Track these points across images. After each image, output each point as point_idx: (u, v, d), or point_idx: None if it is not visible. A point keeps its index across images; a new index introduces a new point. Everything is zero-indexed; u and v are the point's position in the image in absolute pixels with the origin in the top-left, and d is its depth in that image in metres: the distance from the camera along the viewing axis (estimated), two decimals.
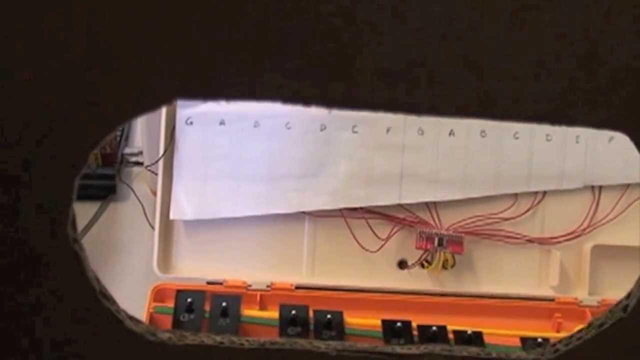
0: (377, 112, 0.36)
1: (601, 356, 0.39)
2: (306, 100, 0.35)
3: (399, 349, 0.39)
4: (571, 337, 0.40)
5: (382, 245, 0.86)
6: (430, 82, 0.35)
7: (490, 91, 0.35)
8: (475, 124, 0.87)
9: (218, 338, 0.39)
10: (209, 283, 0.85)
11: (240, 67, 0.34)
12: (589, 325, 0.40)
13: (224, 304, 0.81)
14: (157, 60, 0.34)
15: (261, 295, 0.84)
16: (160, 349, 0.39)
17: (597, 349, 0.40)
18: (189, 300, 0.80)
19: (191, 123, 0.85)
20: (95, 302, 0.38)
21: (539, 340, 0.81)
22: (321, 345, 0.39)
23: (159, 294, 0.83)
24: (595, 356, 0.40)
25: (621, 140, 0.84)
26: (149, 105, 0.35)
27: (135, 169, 1.08)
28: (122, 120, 0.35)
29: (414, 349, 0.40)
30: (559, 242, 0.88)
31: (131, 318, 0.39)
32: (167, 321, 0.80)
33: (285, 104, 0.36)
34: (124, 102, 0.34)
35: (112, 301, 0.38)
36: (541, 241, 0.88)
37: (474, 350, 0.40)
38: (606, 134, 0.87)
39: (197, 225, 0.86)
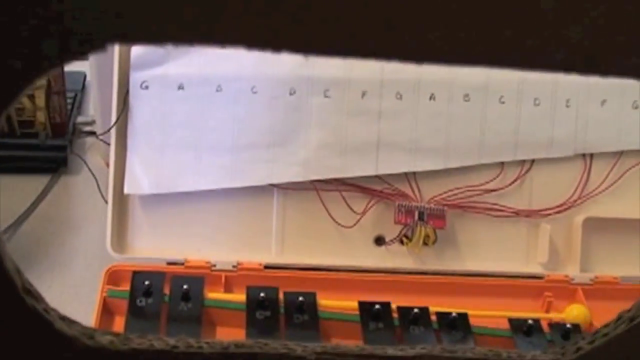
0: (369, 60, 0.28)
1: (634, 356, 0.32)
2: (277, 45, 0.28)
3: (390, 351, 0.32)
4: (596, 333, 0.33)
5: (358, 220, 0.81)
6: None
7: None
8: (457, 87, 0.81)
9: (171, 341, 0.31)
10: (168, 264, 0.79)
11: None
12: (618, 319, 0.32)
13: (185, 286, 0.74)
14: None
15: (226, 277, 0.79)
16: (99, 355, 0.31)
17: (627, 348, 0.33)
18: (147, 282, 0.74)
19: (146, 87, 0.78)
20: (18, 299, 0.30)
21: (529, 321, 0.76)
22: (297, 348, 0.32)
23: (113, 276, 0.77)
24: (626, 356, 0.33)
25: (614, 104, 0.79)
26: (74, 51, 0.27)
27: (89, 139, 1.00)
28: (38, 73, 0.27)
29: (408, 350, 0.33)
30: (548, 215, 0.83)
31: (63, 318, 0.31)
32: (123, 306, 0.73)
33: (251, 50, 0.28)
34: (39, 48, 0.26)
35: (39, 298, 0.31)
36: (529, 214, 0.83)
37: (480, 351, 0.33)
38: (598, 96, 0.81)
39: (154, 200, 0.80)
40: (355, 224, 0.81)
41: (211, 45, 0.28)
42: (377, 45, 0.29)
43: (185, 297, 0.74)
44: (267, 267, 0.80)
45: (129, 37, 0.28)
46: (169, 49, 0.78)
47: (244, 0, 0.27)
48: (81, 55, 0.27)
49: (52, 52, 0.27)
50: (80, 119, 1.02)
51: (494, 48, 0.28)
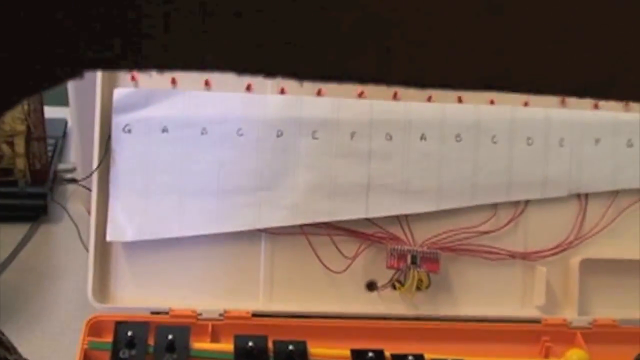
0: (367, 84, 0.26)
1: None
2: (270, 71, 0.25)
3: None
4: None
5: (349, 265, 0.78)
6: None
7: None
8: (449, 126, 0.79)
9: None
10: (153, 313, 0.76)
11: (178, 23, 0.24)
12: None
13: (170, 336, 0.71)
14: (52, 12, 0.24)
15: (213, 326, 0.75)
16: None
17: None
18: (130, 333, 0.71)
19: (129, 131, 0.76)
20: None
21: None
22: None
23: (95, 327, 0.74)
24: None
25: (608, 142, 0.78)
26: (37, 83, 0.24)
27: (70, 187, 0.97)
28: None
29: None
30: (544, 256, 0.81)
31: None
32: (105, 358, 0.70)
33: (241, 75, 0.26)
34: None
35: (11, 349, 0.28)
36: (524, 256, 0.81)
37: None
38: (592, 135, 0.80)
39: (138, 247, 0.77)
40: (346, 269, 0.78)
41: (196, 70, 0.26)
42: (375, 69, 0.26)
43: (171, 347, 0.71)
44: (255, 315, 0.76)
45: (109, 62, 0.25)
46: (153, 92, 0.76)
47: (236, 24, 0.25)
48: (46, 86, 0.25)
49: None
50: (61, 166, 0.99)
51: (508, 72, 0.26)
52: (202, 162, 0.76)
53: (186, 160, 0.76)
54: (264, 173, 0.77)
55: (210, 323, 0.75)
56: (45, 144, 0.93)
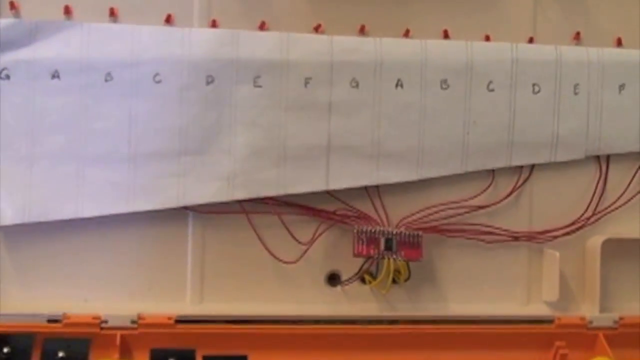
0: None
1: None
2: None
3: None
4: None
5: (304, 253, 0.63)
6: None
7: None
8: (432, 70, 0.64)
9: None
10: (50, 321, 0.60)
11: None
12: None
13: (61, 353, 0.57)
14: None
15: (123, 336, 0.60)
16: None
17: None
18: (7, 349, 0.58)
19: (7, 77, 0.60)
20: None
21: None
22: None
23: None
24: None
25: (636, 89, 0.59)
26: None
27: None
28: None
29: None
30: (555, 237, 0.68)
31: None
32: None
33: None
34: None
35: None
36: (530, 237, 0.67)
37: None
38: (615, 80, 0.67)
39: (22, 233, 0.60)
40: (299, 258, 0.63)
41: None
42: None
43: None
44: (179, 320, 0.61)
45: None
46: (40, 24, 0.59)
47: None
48: None
49: None
50: None
51: None
52: (107, 119, 0.60)
53: (85, 116, 0.60)
54: (189, 132, 0.61)
55: (118, 333, 0.61)
56: None
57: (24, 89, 0.59)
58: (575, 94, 0.66)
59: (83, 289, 0.61)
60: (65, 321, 0.59)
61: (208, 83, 0.60)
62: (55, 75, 0.59)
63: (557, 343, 0.65)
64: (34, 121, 0.59)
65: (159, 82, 0.60)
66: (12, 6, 0.59)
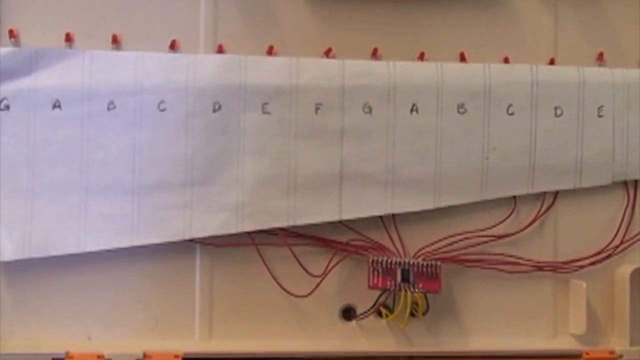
0: None
1: None
2: None
3: None
4: None
5: (317, 286, 0.60)
6: None
7: None
8: (449, 94, 0.61)
9: None
10: None
11: None
12: None
13: None
14: None
15: None
16: None
17: None
18: None
19: (7, 107, 0.57)
20: None
21: None
22: None
23: None
24: None
25: None
26: None
27: None
28: None
29: None
30: (582, 267, 0.64)
31: None
32: None
33: None
34: None
35: None
36: (555, 268, 0.63)
37: None
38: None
39: (24, 270, 0.58)
40: (312, 292, 0.59)
41: None
42: None
43: None
44: (187, 358, 0.58)
45: None
46: (40, 52, 0.57)
47: None
48: None
49: None
50: None
51: None
52: (110, 149, 0.58)
53: (87, 146, 0.58)
54: (195, 162, 0.58)
55: None
56: None
57: (24, 120, 0.56)
58: (600, 116, 0.62)
59: (86, 326, 0.58)
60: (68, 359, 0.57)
61: (215, 110, 0.58)
62: (56, 104, 0.57)
63: None
64: (35, 152, 0.56)
65: (163, 110, 0.57)
66: (12, 34, 0.57)
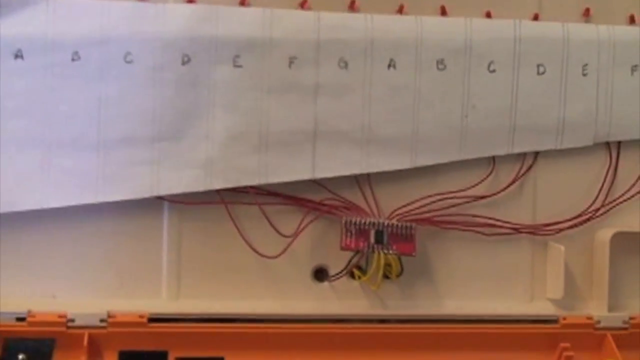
0: None
1: None
2: None
3: None
4: None
5: (288, 246, 0.58)
6: None
7: None
8: (427, 50, 0.59)
9: None
10: (18, 320, 0.55)
11: None
12: None
13: (21, 356, 0.51)
14: None
15: (91, 336, 0.55)
16: None
17: None
18: None
19: None
20: None
21: None
22: None
23: None
24: None
25: None
26: None
27: None
28: None
29: None
30: (561, 230, 0.62)
31: None
32: None
33: None
34: None
35: None
36: (534, 230, 0.62)
37: None
38: (627, 61, 0.62)
39: None
40: (283, 252, 0.57)
41: None
42: None
43: None
44: (153, 319, 0.56)
45: None
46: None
47: None
48: None
49: None
50: None
51: None
52: (74, 102, 0.55)
53: (50, 98, 0.55)
54: (163, 116, 0.56)
55: (86, 332, 0.55)
56: None
57: None
58: (584, 75, 0.61)
59: (51, 284, 0.56)
60: (30, 319, 0.54)
61: (184, 63, 0.55)
62: (18, 55, 0.54)
63: (562, 344, 0.60)
64: None
65: (130, 62, 0.55)
66: None
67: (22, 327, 0.54)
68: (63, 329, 0.54)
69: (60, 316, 0.55)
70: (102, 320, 0.55)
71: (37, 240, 0.56)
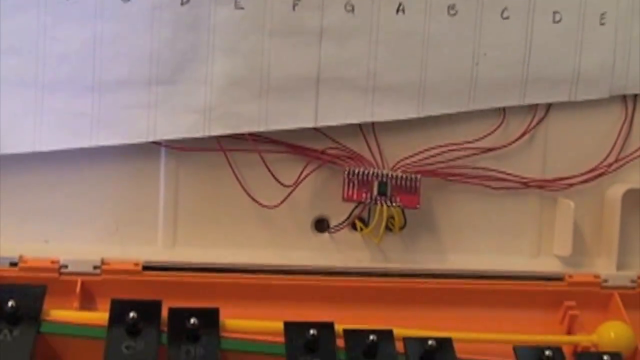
0: None
1: None
2: None
3: None
4: None
5: (288, 195, 0.56)
6: None
7: None
8: None
9: None
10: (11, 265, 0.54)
11: None
12: None
13: (11, 302, 0.48)
14: None
15: (83, 283, 0.54)
16: None
17: None
18: None
19: None
20: None
21: (546, 352, 0.52)
22: None
23: None
24: None
25: None
26: None
27: None
28: None
29: None
30: (571, 185, 0.61)
31: None
32: None
33: None
34: None
35: None
36: (542, 185, 0.61)
37: None
38: None
39: None
40: (283, 202, 0.56)
41: None
42: None
43: (12, 319, 0.48)
44: (147, 267, 0.55)
45: None
46: None
47: None
48: None
49: None
50: None
51: None
52: (68, 41, 0.53)
53: (44, 37, 0.53)
54: (161, 58, 0.54)
55: (79, 279, 0.54)
56: None
57: None
58: (602, 24, 0.58)
59: (42, 230, 0.55)
60: (21, 265, 0.53)
61: (183, 3, 0.53)
62: None
63: (567, 303, 0.59)
64: None
65: (127, 0, 0.53)
66: None
67: (13, 271, 0.53)
68: (55, 275, 0.53)
69: (52, 262, 0.54)
70: (95, 267, 0.54)
71: (29, 184, 0.55)
